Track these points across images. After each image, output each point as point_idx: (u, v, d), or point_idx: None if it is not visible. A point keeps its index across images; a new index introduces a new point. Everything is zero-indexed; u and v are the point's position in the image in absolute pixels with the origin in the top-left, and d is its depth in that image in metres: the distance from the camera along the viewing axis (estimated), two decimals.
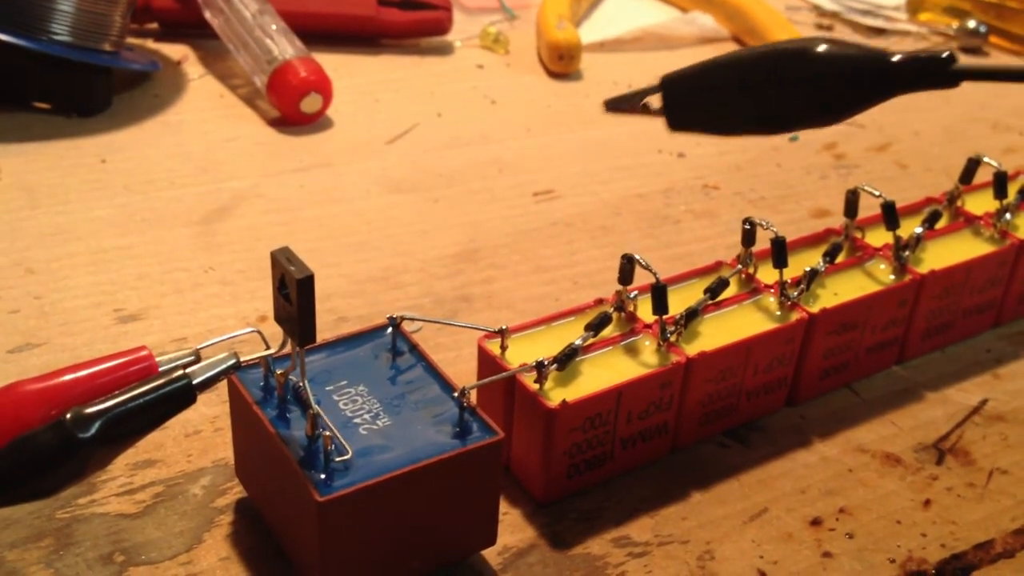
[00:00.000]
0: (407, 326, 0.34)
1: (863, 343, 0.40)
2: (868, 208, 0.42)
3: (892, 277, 0.41)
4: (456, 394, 0.31)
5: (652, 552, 0.33)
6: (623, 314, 0.37)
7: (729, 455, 0.38)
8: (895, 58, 0.28)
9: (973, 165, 0.45)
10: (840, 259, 0.41)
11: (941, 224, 0.44)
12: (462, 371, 0.40)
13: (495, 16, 0.78)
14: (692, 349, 0.36)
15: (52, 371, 0.30)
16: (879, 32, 0.81)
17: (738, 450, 0.38)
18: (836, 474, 0.37)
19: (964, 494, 0.36)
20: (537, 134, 0.61)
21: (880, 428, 0.39)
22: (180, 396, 0.29)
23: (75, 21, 0.55)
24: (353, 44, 0.70)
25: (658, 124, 0.63)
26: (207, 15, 0.64)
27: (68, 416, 0.27)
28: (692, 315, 0.37)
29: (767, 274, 0.40)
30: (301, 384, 0.30)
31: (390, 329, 0.34)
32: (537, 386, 0.33)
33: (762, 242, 0.39)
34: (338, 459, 0.29)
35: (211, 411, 0.37)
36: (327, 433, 0.29)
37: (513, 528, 0.34)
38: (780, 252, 0.38)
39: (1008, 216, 0.44)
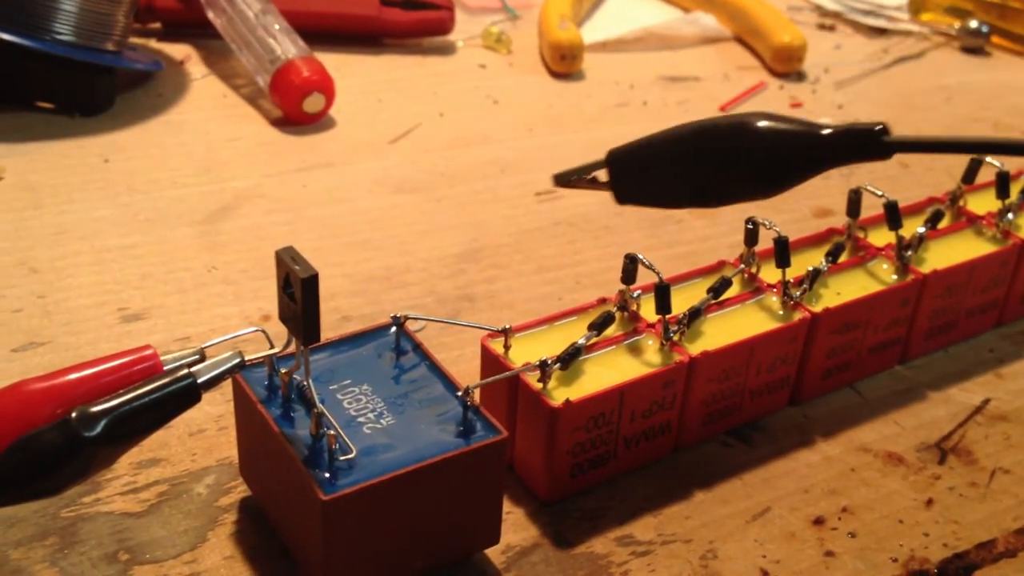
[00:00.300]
0: (410, 325, 0.34)
1: (866, 343, 0.41)
2: (870, 208, 0.42)
3: (895, 277, 0.41)
4: (460, 393, 0.31)
5: (655, 551, 0.33)
6: (626, 313, 0.37)
7: (732, 454, 0.38)
8: (825, 132, 0.28)
9: (975, 165, 0.45)
10: (843, 259, 0.41)
11: (943, 224, 0.44)
12: (465, 370, 0.40)
13: (497, 16, 0.78)
14: (695, 348, 0.36)
15: (57, 370, 0.30)
16: (881, 32, 0.81)
17: (741, 449, 0.38)
18: (839, 473, 0.37)
19: (966, 494, 0.36)
20: (539, 134, 0.61)
21: (883, 427, 0.39)
22: (185, 395, 0.29)
23: (78, 21, 0.55)
24: (356, 44, 0.70)
25: (661, 125, 0.63)
26: (210, 15, 0.64)
27: (73, 415, 0.27)
28: (695, 314, 0.37)
29: (770, 274, 0.40)
30: (305, 383, 0.30)
31: (394, 328, 0.34)
32: (540, 385, 0.33)
33: (765, 242, 0.39)
34: (342, 458, 0.29)
35: (215, 410, 0.37)
36: (331, 432, 0.29)
37: (516, 527, 0.34)
38: (783, 252, 0.38)
39: (1011, 216, 0.44)
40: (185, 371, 0.29)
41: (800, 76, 0.72)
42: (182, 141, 0.56)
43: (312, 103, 0.58)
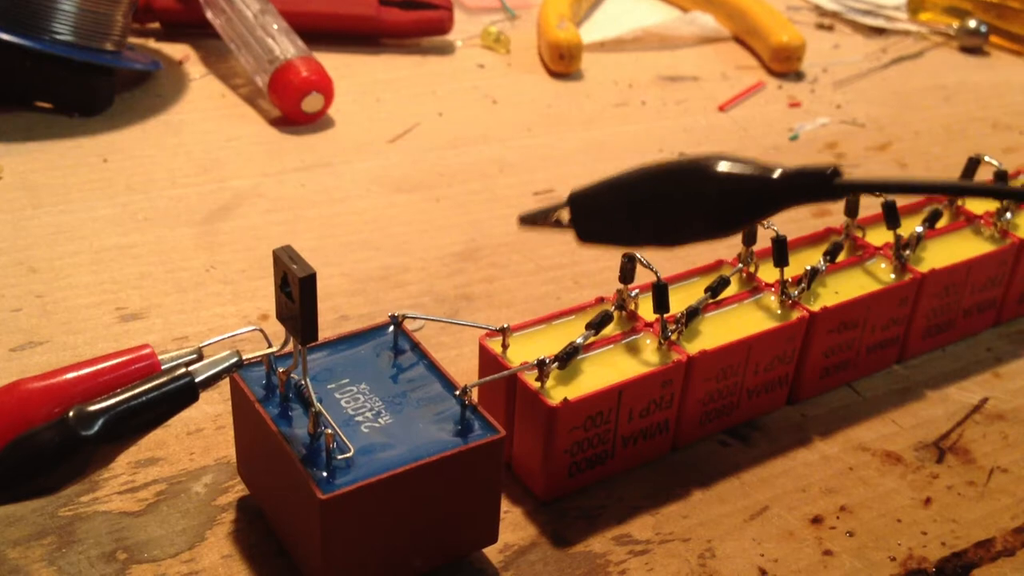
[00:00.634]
0: (408, 324, 0.34)
1: (864, 342, 0.41)
2: (869, 207, 0.42)
3: (893, 276, 0.41)
4: (458, 392, 0.31)
5: (653, 550, 0.33)
6: (624, 313, 0.37)
7: (730, 453, 0.38)
8: (777, 175, 0.28)
9: (973, 164, 0.45)
10: (841, 258, 0.41)
11: (941, 223, 0.44)
12: (463, 369, 0.40)
13: (496, 16, 0.78)
14: (693, 347, 0.36)
15: (55, 369, 0.30)
16: (880, 32, 0.81)
17: (739, 448, 0.38)
18: (837, 472, 0.37)
19: (964, 492, 0.36)
20: (538, 134, 0.61)
21: (881, 427, 0.39)
22: (183, 394, 0.29)
23: (77, 21, 0.55)
24: (354, 44, 0.70)
25: (659, 124, 0.63)
26: (209, 15, 0.64)
27: (71, 414, 0.27)
28: (693, 314, 0.37)
29: (768, 273, 0.40)
30: (303, 382, 0.30)
31: (392, 328, 0.34)
32: (538, 384, 0.33)
33: (763, 241, 0.39)
34: (340, 457, 0.29)
35: (213, 409, 0.37)
36: (329, 431, 0.29)
37: (514, 526, 0.34)
38: (781, 251, 0.38)
39: (1008, 215, 0.44)
40: (183, 370, 0.29)
41: (799, 76, 0.72)
42: (181, 141, 0.56)
43: (311, 103, 0.58)
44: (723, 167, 0.29)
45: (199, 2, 0.64)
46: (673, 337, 0.36)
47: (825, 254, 0.41)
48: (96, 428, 0.27)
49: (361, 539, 0.29)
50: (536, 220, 0.32)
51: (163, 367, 0.31)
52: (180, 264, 0.46)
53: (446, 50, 0.72)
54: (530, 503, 0.35)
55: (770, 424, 0.39)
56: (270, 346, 0.31)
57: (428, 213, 0.51)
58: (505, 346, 0.35)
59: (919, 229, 0.42)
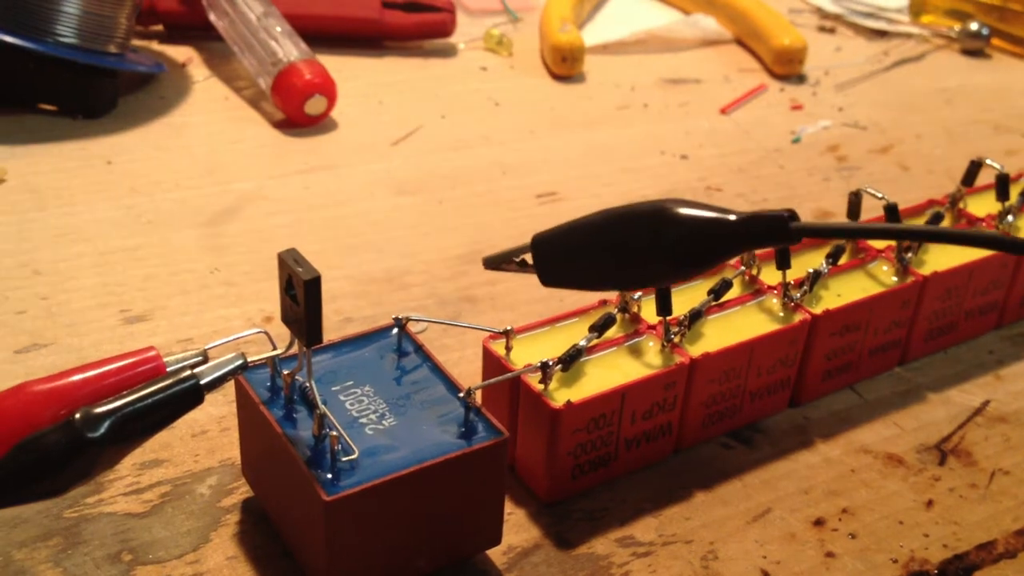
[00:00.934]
0: (412, 327, 0.34)
1: (866, 344, 0.41)
2: (870, 210, 0.42)
3: (895, 279, 0.41)
4: (461, 394, 0.31)
5: (656, 552, 0.33)
6: (627, 315, 0.37)
7: (732, 456, 0.38)
8: (733, 220, 0.29)
9: (975, 167, 0.45)
10: (843, 261, 0.41)
11: (944, 226, 0.44)
12: (467, 372, 0.40)
13: (498, 18, 0.78)
14: (696, 350, 0.36)
15: (60, 371, 0.30)
16: (881, 34, 0.81)
17: (741, 451, 0.38)
18: (839, 475, 0.37)
19: (966, 495, 0.37)
20: (540, 136, 0.61)
21: (883, 429, 0.39)
22: (188, 396, 0.29)
23: (81, 23, 0.55)
24: (357, 46, 0.71)
25: (661, 127, 0.63)
26: (212, 17, 0.64)
27: (77, 416, 0.27)
28: (696, 316, 0.37)
29: (770, 275, 0.40)
30: (308, 384, 0.30)
31: (395, 330, 0.34)
32: (542, 387, 0.33)
33: None
34: (344, 459, 0.29)
35: (218, 411, 0.38)
36: (333, 433, 0.29)
37: (518, 528, 0.34)
38: (783, 254, 0.38)
39: (1010, 218, 0.44)
40: (188, 372, 0.29)
41: (800, 78, 0.72)
42: (184, 143, 0.57)
43: (314, 105, 0.58)
44: (683, 211, 0.29)
45: (202, 4, 0.64)
46: (676, 339, 0.36)
47: (827, 257, 0.41)
48: (102, 430, 0.27)
49: (365, 541, 0.29)
50: (499, 263, 0.33)
51: (168, 369, 0.31)
52: (184, 266, 0.46)
53: (449, 53, 0.72)
54: (533, 505, 0.35)
55: (772, 426, 0.39)
56: (275, 348, 0.32)
57: (431, 215, 0.51)
58: (508, 348, 0.35)
59: None
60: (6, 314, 0.42)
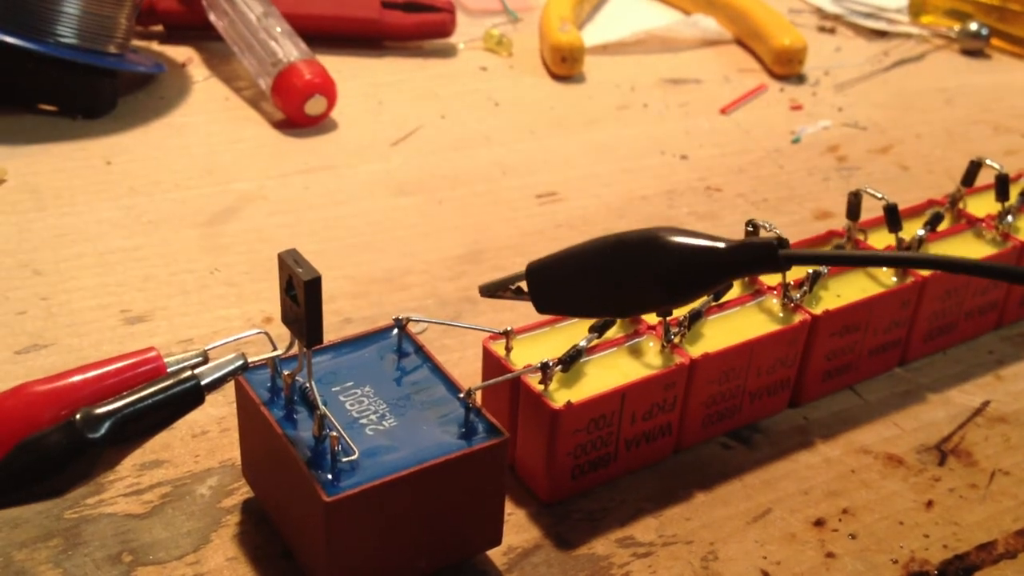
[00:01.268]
0: (412, 327, 0.34)
1: (866, 345, 0.41)
2: (870, 210, 0.42)
3: (894, 279, 0.41)
4: (462, 395, 0.31)
5: (656, 552, 0.33)
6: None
7: (732, 456, 0.38)
8: (722, 247, 0.30)
9: (975, 167, 0.45)
10: None
11: (943, 226, 0.44)
12: (467, 372, 0.40)
13: (498, 18, 0.78)
14: (696, 351, 0.36)
15: (61, 372, 0.30)
16: (881, 35, 0.81)
17: (741, 451, 0.38)
18: (839, 475, 0.37)
19: (966, 495, 0.37)
20: (540, 136, 0.61)
21: (883, 429, 0.39)
22: (189, 397, 0.29)
23: (81, 24, 0.55)
24: (357, 46, 0.71)
25: (661, 127, 0.63)
26: (212, 17, 0.64)
27: (77, 416, 0.27)
28: (696, 317, 0.37)
29: (770, 276, 0.40)
30: (308, 385, 0.30)
31: (396, 330, 0.34)
32: (542, 387, 0.33)
33: None
34: (345, 459, 0.29)
35: (218, 412, 0.38)
36: (334, 434, 0.29)
37: (518, 528, 0.34)
38: None
39: (1010, 218, 0.44)
40: (188, 373, 0.29)
41: (800, 79, 0.72)
42: (184, 143, 0.57)
43: (314, 105, 0.58)
44: (673, 240, 0.30)
45: (202, 4, 0.64)
46: (676, 340, 0.36)
47: None
48: (102, 431, 0.27)
49: (366, 541, 0.29)
50: (495, 290, 0.33)
51: (168, 370, 0.31)
52: (184, 267, 0.46)
53: (448, 53, 0.72)
54: (533, 505, 0.35)
55: (772, 427, 0.39)
56: (275, 349, 0.32)
57: (431, 216, 0.51)
58: (509, 349, 0.35)
59: (921, 232, 0.42)
60: (6, 314, 0.42)
